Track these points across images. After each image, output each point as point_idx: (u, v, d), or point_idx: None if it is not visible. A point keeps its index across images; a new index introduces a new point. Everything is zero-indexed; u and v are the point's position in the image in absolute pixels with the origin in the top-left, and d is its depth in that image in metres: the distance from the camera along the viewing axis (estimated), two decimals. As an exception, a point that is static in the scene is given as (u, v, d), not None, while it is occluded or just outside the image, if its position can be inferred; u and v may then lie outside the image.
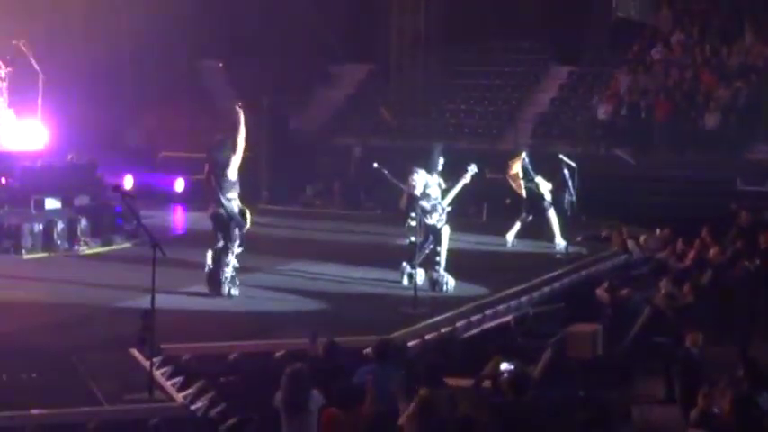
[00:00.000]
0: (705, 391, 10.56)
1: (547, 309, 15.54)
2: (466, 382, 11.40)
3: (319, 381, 9.89)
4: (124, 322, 12.37)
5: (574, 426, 10.39)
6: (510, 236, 19.70)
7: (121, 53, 27.25)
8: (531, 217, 19.68)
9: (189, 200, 23.83)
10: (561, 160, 20.05)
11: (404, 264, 15.80)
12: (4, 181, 18.86)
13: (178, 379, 11.20)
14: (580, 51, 29.63)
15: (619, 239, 20.05)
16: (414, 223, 15.41)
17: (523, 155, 19.72)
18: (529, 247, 19.68)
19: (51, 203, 18.48)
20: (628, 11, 28.62)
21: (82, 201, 19.08)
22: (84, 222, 18.36)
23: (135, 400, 10.40)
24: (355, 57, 31.25)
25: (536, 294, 16.11)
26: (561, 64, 29.91)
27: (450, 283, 15.64)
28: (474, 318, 14.46)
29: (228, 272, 14.60)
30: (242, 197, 14.85)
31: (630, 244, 19.85)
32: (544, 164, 20.09)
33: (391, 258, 16.55)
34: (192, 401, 10.78)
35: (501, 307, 15.14)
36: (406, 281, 15.65)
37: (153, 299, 10.53)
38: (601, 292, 16.22)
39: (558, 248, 19.21)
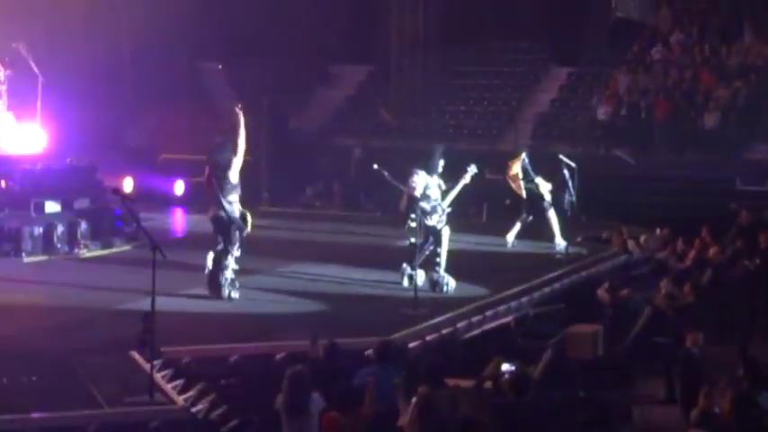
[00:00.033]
0: (706, 390, 10.56)
1: (547, 309, 15.53)
2: (467, 383, 11.39)
3: (320, 383, 9.89)
4: (124, 325, 12.37)
5: (574, 426, 10.40)
6: (510, 236, 19.70)
7: (121, 55, 27.25)
8: (531, 217, 19.68)
9: (189, 202, 23.83)
10: (561, 161, 20.05)
11: (404, 265, 15.80)
12: (3, 184, 18.84)
13: (179, 382, 11.19)
14: (579, 51, 29.64)
15: (619, 240, 20.05)
16: (414, 224, 15.41)
17: (523, 155, 19.72)
18: (529, 247, 19.68)
19: (51, 206, 18.47)
20: (627, 11, 28.63)
21: (82, 204, 19.07)
22: (84, 225, 18.35)
23: (135, 402, 10.40)
24: (355, 57, 31.27)
25: (536, 295, 16.11)
26: (561, 64, 29.92)
27: (450, 284, 15.64)
28: (474, 319, 14.46)
29: (228, 275, 14.59)
30: (242, 199, 14.85)
31: (630, 244, 19.85)
32: (544, 164, 20.09)
33: (391, 260, 16.55)
34: (193, 404, 10.78)
35: (501, 308, 15.14)
36: (406, 282, 15.66)
37: (153, 301, 10.54)
38: (602, 292, 16.22)
39: (558, 249, 19.21)
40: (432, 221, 15.69)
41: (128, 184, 23.18)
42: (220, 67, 30.43)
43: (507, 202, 20.94)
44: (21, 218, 18.01)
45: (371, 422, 9.95)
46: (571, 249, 19.08)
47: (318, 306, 14.70)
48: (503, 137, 28.06)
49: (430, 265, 15.74)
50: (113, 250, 18.56)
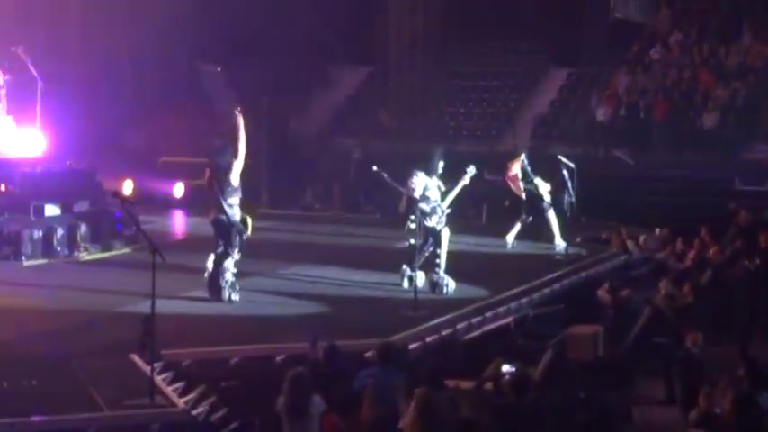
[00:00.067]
0: (706, 390, 10.57)
1: (547, 310, 15.54)
2: (467, 385, 11.40)
3: (320, 385, 9.90)
4: (124, 328, 12.36)
5: (575, 427, 10.40)
6: (510, 237, 19.71)
7: (120, 58, 27.24)
8: (530, 218, 19.70)
9: (189, 205, 23.83)
10: (560, 161, 20.05)
11: (404, 266, 15.81)
12: (3, 188, 18.83)
13: (179, 384, 11.18)
14: (578, 52, 29.66)
15: (618, 240, 20.07)
16: (413, 226, 15.41)
17: (522, 156, 19.73)
18: (529, 248, 19.70)
19: (51, 210, 18.47)
20: (626, 11, 28.67)
21: (81, 207, 19.07)
22: (83, 228, 18.35)
23: (136, 405, 10.38)
24: (355, 59, 31.30)
25: (536, 296, 16.12)
26: (560, 65, 29.94)
27: (450, 285, 15.64)
28: (474, 320, 14.46)
29: (228, 277, 14.59)
30: (242, 201, 14.85)
31: (630, 244, 19.87)
32: (543, 165, 20.10)
33: (391, 261, 16.56)
34: (194, 407, 10.77)
35: (501, 309, 15.14)
36: (406, 283, 15.66)
37: (153, 304, 10.53)
38: (602, 293, 16.24)
39: (557, 250, 19.22)
40: (431, 223, 15.70)
41: (127, 187, 23.18)
42: (219, 69, 30.44)
43: (507, 203, 20.95)
44: (20, 221, 18.00)
45: (372, 425, 9.95)
46: (571, 250, 19.08)
47: (318, 308, 14.70)
48: (502, 138, 28.08)
49: (430, 266, 15.75)
50: (113, 253, 18.56)
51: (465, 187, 16.11)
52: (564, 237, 19.33)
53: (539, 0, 29.00)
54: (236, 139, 14.55)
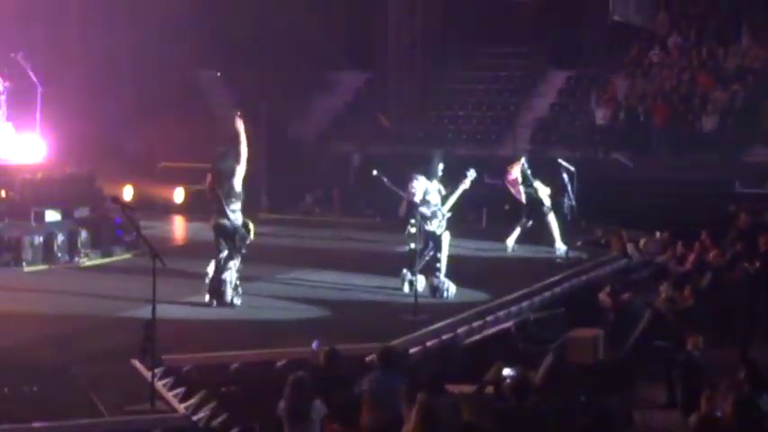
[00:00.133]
0: (708, 394, 10.57)
1: (547, 314, 15.53)
2: (468, 389, 11.41)
3: (321, 389, 9.90)
4: (125, 333, 12.37)
5: (575, 431, 10.39)
6: (510, 241, 19.71)
7: (120, 64, 27.27)
8: (530, 222, 19.70)
9: (188, 210, 23.83)
10: (560, 165, 20.06)
11: (404, 271, 15.81)
12: (4, 194, 18.84)
13: (180, 390, 11.19)
14: (577, 55, 29.67)
15: (618, 243, 20.07)
16: (414, 230, 15.41)
17: (522, 160, 19.74)
18: (529, 252, 19.70)
19: (51, 216, 18.48)
20: (624, 15, 28.66)
21: (82, 212, 19.07)
22: (84, 234, 18.35)
23: (136, 411, 10.39)
24: (354, 64, 31.30)
25: (536, 300, 16.12)
26: (559, 68, 29.95)
27: (450, 289, 15.64)
28: (475, 324, 14.46)
29: (231, 279, 14.60)
30: (243, 206, 14.86)
31: (630, 248, 19.87)
32: (543, 169, 20.10)
33: (391, 265, 16.56)
34: (194, 412, 10.78)
35: (502, 313, 15.14)
36: (406, 288, 15.66)
37: (154, 309, 10.54)
38: (603, 296, 16.24)
39: (558, 253, 19.22)
40: (431, 227, 15.70)
41: (127, 193, 23.18)
42: (219, 74, 30.46)
43: (507, 207, 20.96)
44: (21, 227, 18.00)
45: (374, 430, 9.96)
46: (571, 254, 19.09)
47: (319, 312, 14.70)
48: (501, 141, 28.11)
49: (430, 270, 15.74)
50: (113, 259, 18.56)
51: (465, 191, 16.10)
52: (564, 240, 19.34)
53: (538, 3, 29.02)
54: (237, 144, 14.57)
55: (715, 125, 25.96)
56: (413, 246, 15.51)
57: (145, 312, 11.26)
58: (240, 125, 14.65)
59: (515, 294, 15.93)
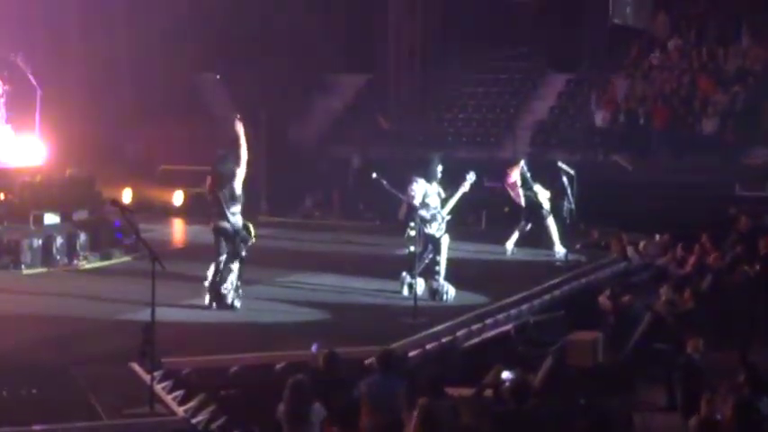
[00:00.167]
0: (708, 397, 10.55)
1: (547, 317, 15.52)
2: (467, 392, 11.39)
3: (320, 392, 9.89)
4: (124, 336, 12.37)
5: (575, 434, 10.39)
6: (509, 244, 19.70)
7: (119, 66, 27.26)
8: (529, 225, 19.69)
9: (188, 213, 23.82)
10: (560, 168, 20.07)
11: (403, 274, 15.79)
12: (3, 196, 18.85)
13: (179, 392, 11.18)
14: (577, 58, 29.67)
15: (618, 246, 20.06)
16: (413, 233, 15.41)
17: (521, 163, 19.73)
18: (528, 255, 19.69)
19: (50, 218, 18.48)
20: (624, 17, 28.67)
21: (81, 215, 19.07)
22: (83, 237, 18.35)
23: (136, 414, 10.38)
24: (353, 66, 31.29)
25: (536, 302, 16.12)
26: (558, 71, 29.95)
27: (450, 292, 15.63)
28: (474, 327, 14.45)
29: (232, 280, 14.60)
30: (243, 209, 14.86)
31: (630, 251, 19.86)
32: (543, 171, 20.10)
33: (391, 268, 16.55)
34: (193, 415, 10.77)
35: (501, 316, 15.14)
36: (405, 291, 15.65)
37: (153, 312, 10.53)
38: (603, 299, 16.22)
39: (557, 256, 19.21)
40: (431, 230, 15.69)
41: (127, 196, 23.17)
42: (218, 77, 30.45)
43: (506, 209, 20.95)
44: (20, 230, 18.00)
45: (375, 432, 9.96)
46: (570, 257, 19.08)
47: (318, 315, 14.70)
48: (501, 144, 28.10)
49: (429, 273, 15.74)
50: (113, 261, 18.56)
51: (465, 194, 16.09)
52: (563, 243, 19.33)
53: (537, 6, 29.01)
54: (238, 147, 14.58)
55: (715, 127, 25.95)
56: (412, 249, 15.52)
57: (144, 315, 11.27)
58: (240, 128, 14.67)
59: (515, 297, 15.93)
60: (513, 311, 15.41)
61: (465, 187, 16.06)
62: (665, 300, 16.20)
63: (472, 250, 19.79)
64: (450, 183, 16.09)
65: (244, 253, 14.70)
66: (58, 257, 17.91)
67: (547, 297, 16.52)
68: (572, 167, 20.42)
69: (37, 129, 19.87)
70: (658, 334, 14.94)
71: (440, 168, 15.92)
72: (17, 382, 11.10)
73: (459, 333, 14.10)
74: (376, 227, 23.36)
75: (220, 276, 14.59)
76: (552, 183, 19.76)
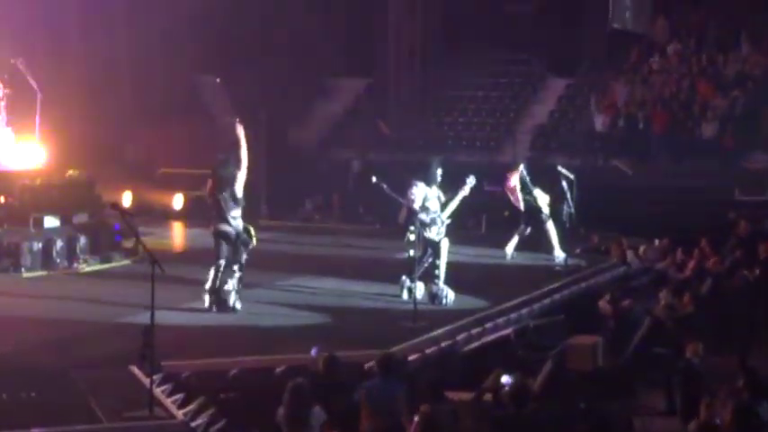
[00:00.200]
0: (707, 401, 10.55)
1: (547, 321, 15.52)
2: (467, 396, 11.39)
3: (320, 396, 9.89)
4: (124, 339, 12.36)
5: (575, 438, 10.40)
6: (509, 248, 19.69)
7: (119, 69, 27.26)
8: (529, 229, 19.68)
9: (188, 216, 23.82)
10: (559, 172, 20.04)
11: (403, 277, 15.79)
12: (3, 199, 18.84)
13: (178, 396, 11.18)
14: (577, 63, 29.70)
15: (618, 251, 20.06)
16: (413, 237, 15.40)
17: (521, 167, 19.72)
18: (528, 259, 19.68)
19: (50, 221, 18.47)
20: (623, 22, 28.69)
21: (81, 218, 19.07)
22: (83, 240, 18.34)
23: (135, 417, 10.38)
24: (353, 70, 31.31)
25: (536, 307, 16.10)
26: (558, 75, 29.97)
27: (449, 296, 15.62)
28: (474, 331, 14.44)
29: (234, 286, 14.61)
30: (243, 213, 14.87)
31: (629, 255, 19.87)
32: (542, 176, 20.09)
33: (391, 272, 16.55)
34: (193, 418, 10.77)
35: (501, 320, 15.12)
36: (405, 295, 15.64)
37: (152, 316, 10.53)
38: (603, 304, 16.23)
39: (557, 261, 19.20)
40: (431, 233, 15.68)
41: (126, 199, 23.17)
42: (218, 80, 30.45)
43: (506, 213, 20.95)
44: (20, 233, 17.99)
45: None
46: (570, 261, 19.07)
47: (318, 319, 14.68)
48: (501, 148, 28.12)
49: (429, 277, 15.73)
50: (112, 265, 18.55)
51: (465, 198, 16.09)
52: (563, 248, 19.33)
53: (537, 10, 29.04)
54: (238, 151, 14.60)
55: (715, 132, 25.97)
56: (412, 253, 15.51)
57: (144, 318, 11.26)
58: (240, 131, 14.69)
59: (515, 301, 15.92)
60: (512, 315, 15.40)
61: (465, 191, 16.05)
62: (664, 304, 16.20)
63: (472, 254, 19.79)
64: (449, 187, 16.09)
65: (245, 256, 14.72)
66: (58, 260, 17.91)
67: (547, 301, 16.50)
68: (572, 172, 20.38)
69: (37, 132, 19.87)
70: (658, 338, 14.95)
71: (440, 172, 15.92)
72: (17, 385, 11.10)
73: (459, 337, 14.10)
74: (376, 230, 23.36)
75: (221, 280, 14.60)
76: (552, 187, 19.74)
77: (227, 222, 14.55)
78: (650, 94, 27.49)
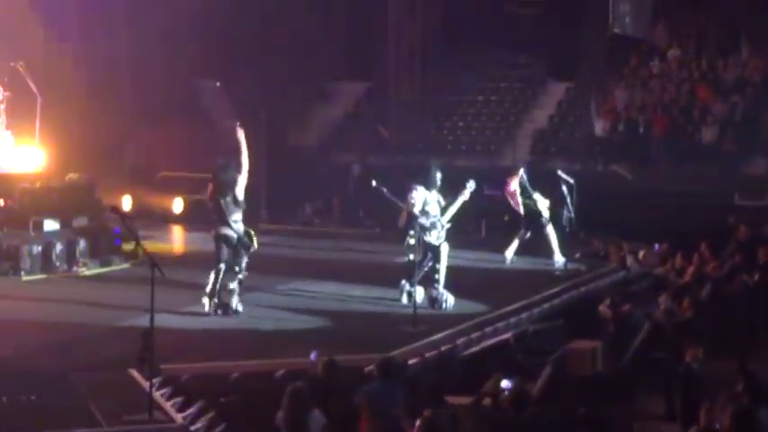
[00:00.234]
0: (707, 406, 10.55)
1: (546, 326, 15.52)
2: (466, 400, 11.39)
3: (319, 399, 9.89)
4: (124, 343, 12.36)
5: (574, 443, 10.38)
6: (509, 253, 19.69)
7: (119, 72, 27.26)
8: (529, 234, 19.68)
9: (188, 220, 23.82)
10: (559, 176, 20.06)
11: (403, 282, 15.79)
12: (2, 203, 18.86)
13: (178, 399, 11.18)
14: (577, 67, 29.69)
15: (617, 255, 20.07)
16: (413, 241, 15.41)
17: (521, 171, 19.72)
18: (528, 263, 19.68)
19: (50, 225, 18.49)
20: (623, 27, 28.69)
21: (80, 222, 19.08)
22: (82, 243, 18.35)
23: (134, 421, 10.38)
24: (353, 71, 31.30)
25: (535, 311, 16.10)
26: (558, 80, 29.97)
27: (449, 300, 15.62)
28: (474, 335, 14.44)
29: (235, 289, 14.62)
30: (243, 217, 14.88)
31: (629, 259, 19.87)
32: (542, 180, 20.10)
33: (390, 276, 16.55)
34: (192, 422, 10.77)
35: (501, 324, 15.12)
36: (405, 299, 15.64)
37: (152, 319, 10.54)
38: (603, 308, 16.21)
39: (556, 265, 19.21)
40: (431, 238, 15.69)
41: (126, 202, 23.17)
42: (218, 83, 30.46)
43: (506, 218, 20.95)
44: (19, 236, 18.01)
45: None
46: (570, 265, 19.08)
47: (318, 323, 14.69)
48: (501, 152, 28.10)
49: (429, 281, 15.73)
50: (112, 268, 18.57)
51: (465, 202, 16.09)
52: (563, 252, 19.33)
53: (537, 14, 29.03)
54: (239, 155, 14.61)
55: (715, 137, 25.97)
56: (412, 257, 15.51)
57: (143, 322, 11.26)
58: (241, 135, 14.70)
59: (514, 306, 15.92)
60: (512, 320, 15.40)
61: (465, 195, 16.06)
62: (664, 309, 16.20)
63: (472, 258, 19.79)
64: (449, 191, 16.10)
65: (246, 259, 14.73)
66: (58, 264, 17.92)
67: (546, 306, 16.51)
68: (572, 176, 20.42)
69: (37, 135, 19.87)
70: (657, 343, 14.94)
71: (439, 176, 15.93)
72: (17, 388, 11.10)
73: (459, 341, 14.10)
74: (376, 234, 23.36)
75: (222, 283, 14.61)
76: (552, 191, 19.75)
77: (229, 226, 14.57)
78: (650, 99, 27.49)
